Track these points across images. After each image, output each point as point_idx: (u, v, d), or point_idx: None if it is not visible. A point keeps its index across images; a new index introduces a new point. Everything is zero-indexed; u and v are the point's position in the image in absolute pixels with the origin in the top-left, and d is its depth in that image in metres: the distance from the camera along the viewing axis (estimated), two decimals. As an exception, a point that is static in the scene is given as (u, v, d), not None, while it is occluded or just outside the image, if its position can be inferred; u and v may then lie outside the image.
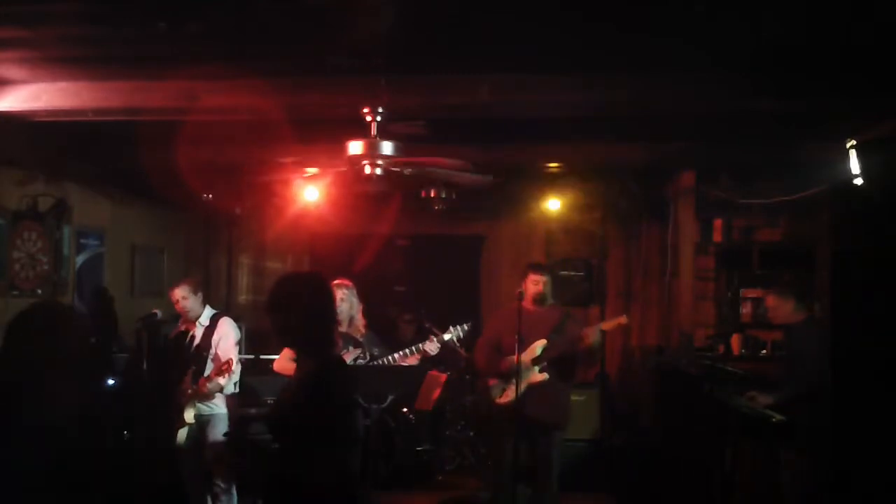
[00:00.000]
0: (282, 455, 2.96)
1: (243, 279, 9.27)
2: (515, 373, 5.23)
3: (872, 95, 4.41)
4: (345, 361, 3.69)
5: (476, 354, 5.79)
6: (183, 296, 5.50)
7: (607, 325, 5.77)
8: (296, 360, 3.23)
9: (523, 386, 5.24)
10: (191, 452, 5.39)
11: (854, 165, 4.18)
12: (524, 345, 5.27)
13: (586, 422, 6.97)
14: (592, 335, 5.35)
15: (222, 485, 5.36)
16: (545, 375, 5.34)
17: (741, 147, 6.01)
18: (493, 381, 5.52)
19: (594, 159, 6.41)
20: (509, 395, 5.35)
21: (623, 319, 5.84)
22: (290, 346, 3.09)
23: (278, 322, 2.96)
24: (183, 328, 5.60)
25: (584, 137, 5.88)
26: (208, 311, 5.61)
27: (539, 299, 5.47)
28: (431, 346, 5.41)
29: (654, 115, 5.10)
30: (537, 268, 5.61)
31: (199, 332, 5.53)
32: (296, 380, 3.04)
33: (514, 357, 5.29)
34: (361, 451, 5.44)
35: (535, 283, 5.46)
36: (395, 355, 5.41)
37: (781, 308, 5.38)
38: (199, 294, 5.60)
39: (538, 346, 5.37)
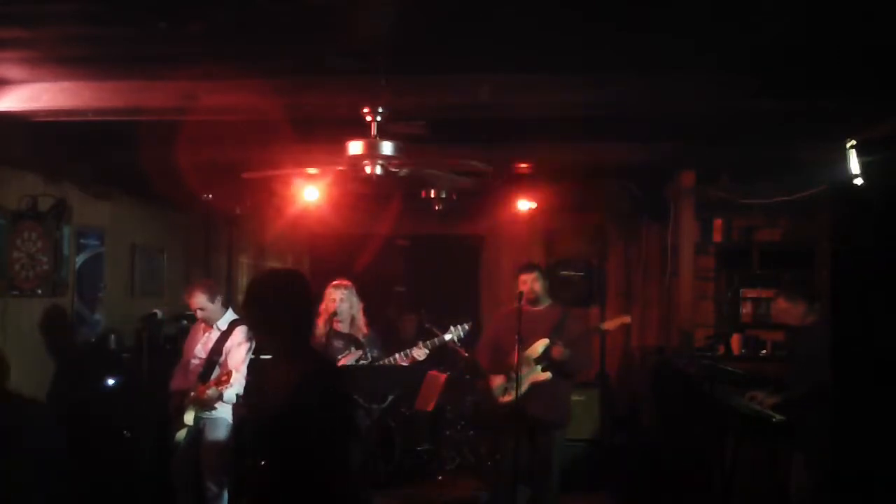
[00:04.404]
0: (279, 456, 2.92)
1: (243, 279, 9.26)
2: (516, 372, 5.25)
3: (872, 95, 4.40)
4: (329, 358, 3.71)
5: (479, 357, 5.84)
6: (200, 306, 5.48)
7: (610, 324, 5.82)
8: (271, 359, 3.20)
9: (526, 384, 5.28)
10: (187, 453, 5.38)
11: (854, 165, 4.17)
12: (525, 344, 5.28)
13: (586, 422, 6.97)
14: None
15: (214, 488, 5.34)
16: (548, 375, 5.36)
17: (741, 147, 6.01)
18: (497, 381, 5.52)
19: (594, 159, 6.41)
20: (513, 393, 5.37)
21: (626, 319, 5.93)
22: (268, 343, 3.11)
23: (254, 318, 3.00)
24: (201, 329, 5.59)
25: (584, 137, 5.88)
26: (228, 316, 5.58)
27: (532, 299, 5.50)
28: (419, 352, 5.73)
29: (655, 115, 5.10)
30: (524, 268, 5.64)
31: (213, 336, 5.51)
32: (288, 379, 2.93)
33: (514, 356, 5.32)
34: (361, 451, 5.53)
35: (523, 283, 5.50)
36: (388, 360, 5.63)
37: (791, 311, 5.37)
38: (218, 299, 5.56)
39: (540, 345, 5.39)
